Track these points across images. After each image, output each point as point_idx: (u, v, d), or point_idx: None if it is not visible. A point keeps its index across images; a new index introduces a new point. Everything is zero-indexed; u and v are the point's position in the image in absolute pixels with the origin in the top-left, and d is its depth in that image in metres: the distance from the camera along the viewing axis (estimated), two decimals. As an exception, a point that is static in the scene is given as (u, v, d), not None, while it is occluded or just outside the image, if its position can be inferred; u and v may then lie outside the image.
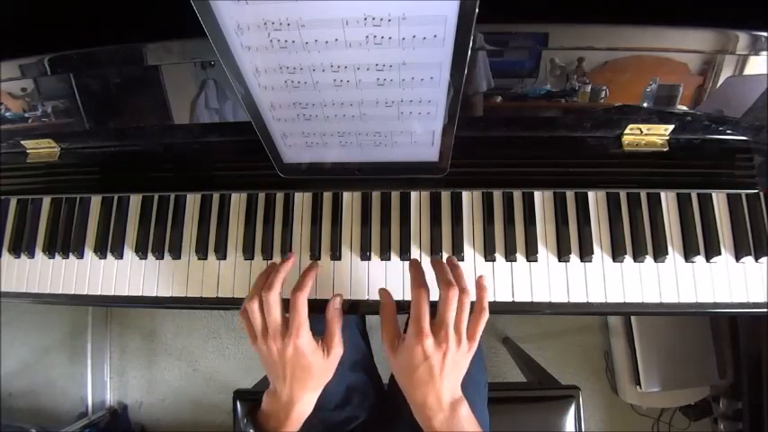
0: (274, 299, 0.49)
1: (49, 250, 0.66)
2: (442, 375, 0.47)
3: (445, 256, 0.59)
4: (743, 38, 0.47)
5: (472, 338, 0.48)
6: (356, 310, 0.59)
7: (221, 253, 0.62)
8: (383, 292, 0.53)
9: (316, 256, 0.61)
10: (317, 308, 0.54)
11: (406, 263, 0.59)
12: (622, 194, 0.60)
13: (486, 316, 0.49)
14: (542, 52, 0.50)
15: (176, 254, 0.63)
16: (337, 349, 0.52)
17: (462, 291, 0.48)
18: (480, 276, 0.51)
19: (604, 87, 0.53)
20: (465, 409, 0.48)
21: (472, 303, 0.49)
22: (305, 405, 0.50)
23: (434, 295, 0.50)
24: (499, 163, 0.60)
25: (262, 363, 0.51)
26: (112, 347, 1.53)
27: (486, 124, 0.59)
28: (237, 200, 0.64)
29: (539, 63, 0.51)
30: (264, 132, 0.51)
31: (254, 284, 0.52)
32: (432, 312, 0.48)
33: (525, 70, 0.52)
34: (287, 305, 0.50)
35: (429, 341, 0.46)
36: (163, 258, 0.64)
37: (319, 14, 0.36)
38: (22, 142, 0.68)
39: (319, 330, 0.52)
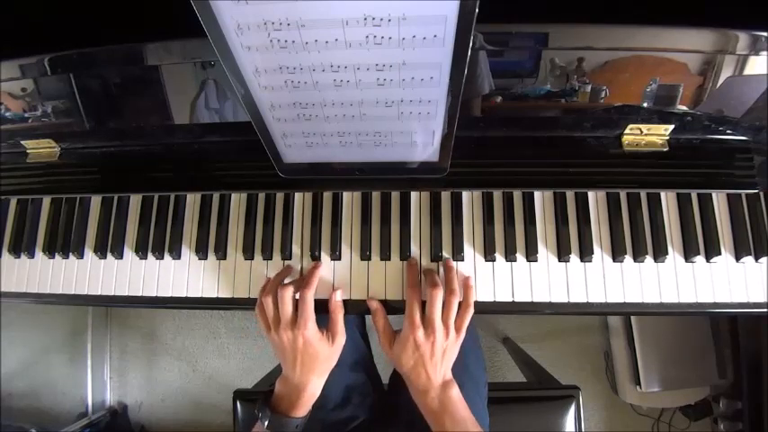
0: (289, 294, 0.54)
1: (49, 250, 0.66)
2: (433, 360, 0.53)
3: (446, 256, 0.60)
4: (743, 38, 0.47)
5: (459, 330, 0.54)
6: (356, 310, 0.60)
7: (221, 253, 0.62)
8: (371, 301, 0.58)
9: (316, 256, 0.61)
10: (320, 307, 0.56)
11: (406, 263, 0.59)
12: (622, 194, 0.60)
13: (471, 311, 0.55)
14: (542, 52, 0.50)
15: (176, 254, 0.63)
16: (340, 337, 0.57)
17: (450, 292, 0.54)
18: (467, 277, 0.58)
19: (604, 87, 0.53)
20: (455, 391, 0.55)
21: (460, 303, 0.55)
22: (314, 388, 0.56)
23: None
24: (499, 163, 0.60)
25: (275, 351, 0.57)
26: (112, 347, 1.53)
27: (486, 124, 0.59)
28: (237, 200, 0.64)
29: (539, 63, 0.51)
30: (264, 132, 0.51)
31: (270, 281, 0.58)
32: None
33: (525, 70, 0.52)
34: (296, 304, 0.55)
35: (420, 332, 0.53)
36: (163, 258, 0.64)
37: (319, 14, 0.36)
38: (22, 142, 0.68)
39: (323, 325, 0.56)
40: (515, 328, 1.39)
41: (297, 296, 0.55)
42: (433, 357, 0.53)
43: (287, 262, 0.61)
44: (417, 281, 0.57)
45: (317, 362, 0.55)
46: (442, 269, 0.59)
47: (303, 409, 0.55)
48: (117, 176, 0.67)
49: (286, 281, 0.58)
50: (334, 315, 0.57)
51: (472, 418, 0.54)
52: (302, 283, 0.56)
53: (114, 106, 0.60)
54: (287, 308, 0.54)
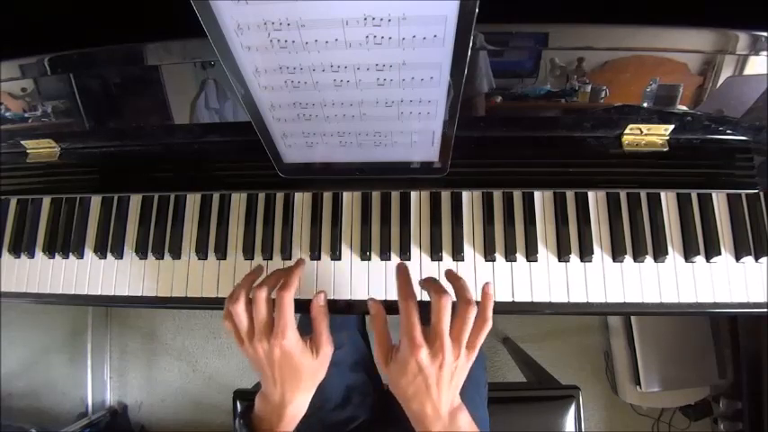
0: (262, 298, 0.47)
1: (49, 250, 0.66)
2: (440, 386, 0.45)
3: (447, 260, 0.59)
4: (743, 38, 0.47)
5: (472, 348, 0.46)
6: (356, 310, 0.60)
7: (221, 253, 0.62)
8: (373, 303, 0.51)
9: (316, 256, 0.61)
10: (307, 309, 0.52)
11: (407, 263, 0.59)
12: (622, 194, 0.60)
13: (488, 326, 0.46)
14: (542, 52, 0.50)
15: (176, 254, 0.63)
16: (326, 348, 0.50)
17: (467, 302, 0.45)
18: (487, 284, 0.49)
19: (604, 87, 0.53)
20: (464, 417, 0.47)
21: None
22: (297, 406, 0.49)
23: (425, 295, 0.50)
24: (499, 163, 0.60)
25: (251, 366, 0.49)
26: (112, 347, 1.53)
27: (486, 124, 0.59)
28: (237, 200, 0.64)
29: (539, 63, 0.51)
30: (264, 132, 0.51)
31: (237, 285, 0.50)
32: (426, 318, 0.46)
33: (525, 70, 0.52)
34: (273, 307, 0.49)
35: (423, 352, 0.44)
36: (163, 258, 0.64)
37: (319, 14, 0.36)
38: (22, 142, 0.68)
39: (310, 331, 0.51)
40: (515, 328, 1.39)
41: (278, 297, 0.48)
42: (440, 384, 0.44)
43: (287, 262, 0.61)
44: (411, 289, 0.48)
45: (299, 377, 0.48)
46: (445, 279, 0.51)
47: (286, 428, 0.48)
48: (117, 176, 0.67)
49: (268, 281, 0.50)
50: (318, 323, 0.50)
51: None
52: (283, 283, 0.48)
53: (114, 106, 0.60)
54: (261, 314, 0.47)
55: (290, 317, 0.47)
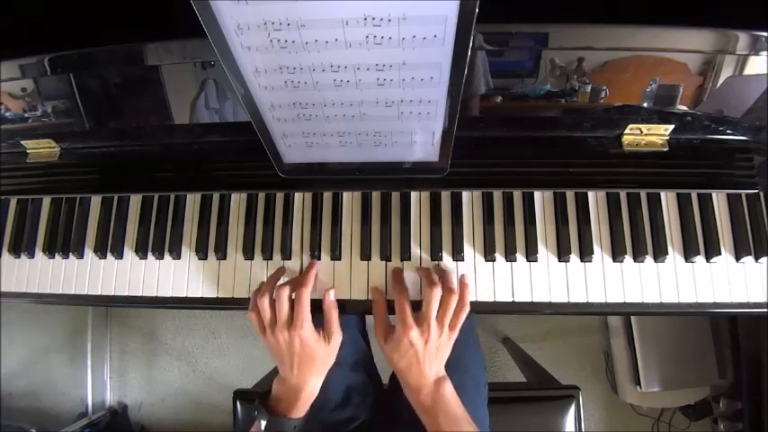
0: (286, 294, 0.54)
1: (49, 250, 0.66)
2: (427, 358, 0.54)
3: (447, 260, 0.60)
4: (743, 38, 0.47)
5: (453, 328, 0.55)
6: (356, 310, 0.60)
7: (221, 253, 0.62)
8: (375, 290, 0.59)
9: (316, 256, 0.61)
10: (316, 307, 0.56)
11: (406, 263, 0.60)
12: (622, 194, 0.60)
13: (466, 310, 0.55)
14: (542, 52, 0.50)
15: (176, 254, 0.63)
16: (336, 336, 0.56)
17: (449, 291, 0.54)
18: (464, 275, 0.58)
19: (604, 87, 0.53)
20: (449, 388, 0.55)
21: None
22: (311, 389, 0.56)
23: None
24: (499, 163, 0.60)
25: (271, 353, 0.56)
26: (112, 347, 1.53)
27: (486, 124, 0.59)
28: (237, 200, 0.64)
29: (539, 63, 0.51)
30: (264, 132, 0.51)
31: (265, 283, 0.57)
32: (418, 309, 0.55)
33: (525, 70, 0.52)
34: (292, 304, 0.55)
35: (413, 331, 0.52)
36: (163, 258, 0.64)
37: (319, 14, 0.36)
38: (22, 142, 0.68)
39: (320, 325, 0.56)
40: (515, 328, 1.39)
41: (293, 296, 0.55)
42: (427, 355, 0.53)
43: (287, 262, 0.61)
44: (404, 286, 0.57)
45: (314, 362, 0.55)
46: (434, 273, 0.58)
47: (301, 410, 0.55)
48: (117, 176, 0.67)
49: (281, 281, 0.58)
50: (329, 314, 0.57)
51: (466, 414, 0.54)
52: (298, 282, 0.56)
53: (114, 106, 0.60)
54: (283, 308, 0.54)
55: (307, 310, 0.54)
